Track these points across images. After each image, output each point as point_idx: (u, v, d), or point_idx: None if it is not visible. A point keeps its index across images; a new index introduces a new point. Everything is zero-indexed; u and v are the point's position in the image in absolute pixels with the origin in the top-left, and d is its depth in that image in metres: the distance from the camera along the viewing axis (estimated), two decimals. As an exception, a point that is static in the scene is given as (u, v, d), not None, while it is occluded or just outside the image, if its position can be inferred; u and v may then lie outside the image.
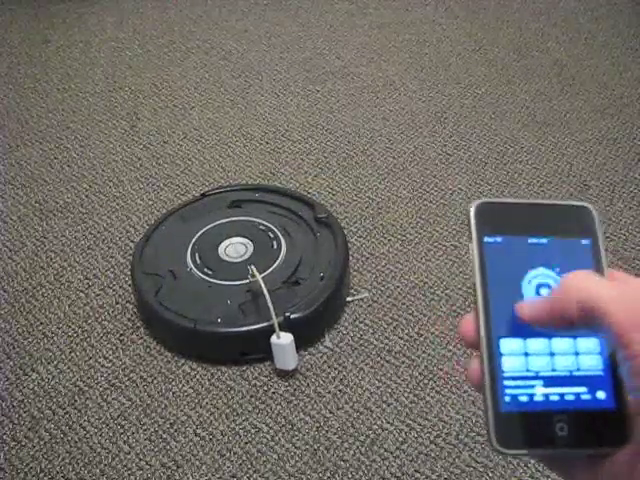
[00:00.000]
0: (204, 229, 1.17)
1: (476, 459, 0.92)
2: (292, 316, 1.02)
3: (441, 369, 1.03)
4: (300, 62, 1.73)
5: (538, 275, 0.36)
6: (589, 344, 0.35)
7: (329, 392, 1.01)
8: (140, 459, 0.94)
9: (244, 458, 0.94)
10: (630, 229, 1.25)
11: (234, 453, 0.94)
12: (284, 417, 0.98)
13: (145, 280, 1.09)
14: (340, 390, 1.01)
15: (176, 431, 0.97)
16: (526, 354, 0.35)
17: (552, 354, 0.35)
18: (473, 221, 0.37)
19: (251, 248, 1.14)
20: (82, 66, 1.74)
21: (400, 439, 0.95)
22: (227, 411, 0.99)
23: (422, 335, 1.08)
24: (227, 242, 1.15)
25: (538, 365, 0.35)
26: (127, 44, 1.83)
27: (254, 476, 0.92)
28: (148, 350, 1.07)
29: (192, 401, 1.00)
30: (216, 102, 1.60)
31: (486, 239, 0.37)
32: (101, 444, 0.95)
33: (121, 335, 1.09)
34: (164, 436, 0.96)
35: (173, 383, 1.03)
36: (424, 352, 1.06)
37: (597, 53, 1.73)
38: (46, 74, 1.72)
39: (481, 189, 1.34)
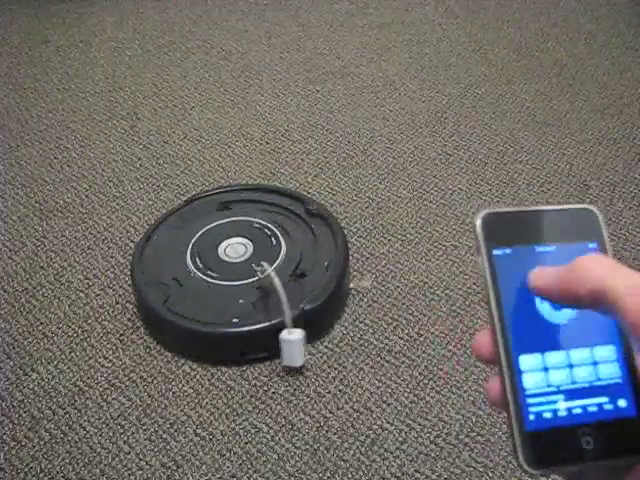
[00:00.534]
0: (199, 233, 1.16)
1: (476, 459, 0.92)
2: (306, 307, 1.03)
3: (441, 369, 1.03)
4: (300, 62, 1.73)
5: None
6: (606, 352, 0.35)
7: (329, 392, 1.01)
8: (140, 459, 0.94)
9: (244, 458, 0.94)
10: (630, 229, 1.25)
11: (234, 453, 0.94)
12: (284, 417, 0.98)
13: (150, 290, 1.08)
14: (340, 390, 1.01)
15: (176, 431, 0.97)
16: (545, 369, 0.34)
17: (571, 366, 0.35)
18: (480, 234, 0.36)
19: (251, 247, 1.14)
20: (82, 66, 1.74)
21: (400, 439, 0.95)
22: (227, 411, 0.99)
23: (422, 335, 1.08)
24: (225, 243, 1.15)
25: (558, 379, 0.34)
26: (127, 44, 1.83)
27: (254, 476, 0.92)
28: (148, 350, 1.07)
29: (192, 401, 1.00)
30: (216, 102, 1.60)
31: (495, 252, 0.36)
32: (101, 444, 0.95)
33: (121, 335, 1.09)
34: (164, 436, 0.96)
35: (173, 383, 1.03)
36: (424, 352, 1.06)
37: (597, 53, 1.73)
38: (46, 74, 1.72)
39: (481, 189, 1.34)
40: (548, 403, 0.34)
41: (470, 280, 1.16)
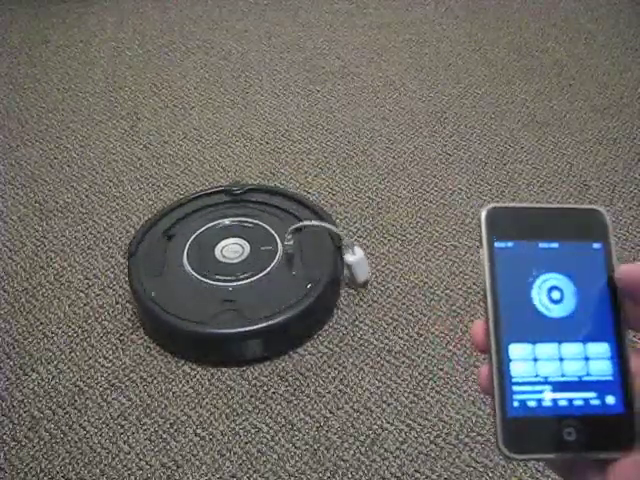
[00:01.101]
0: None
1: (476, 459, 0.92)
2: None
3: (441, 369, 1.03)
4: (300, 62, 1.73)
5: (549, 280, 0.36)
6: (599, 349, 0.35)
7: (329, 392, 1.01)
8: (140, 459, 0.94)
9: (244, 458, 0.94)
10: (630, 229, 1.25)
11: (234, 453, 0.94)
12: (284, 417, 0.98)
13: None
14: (340, 390, 1.01)
15: (176, 431, 0.97)
16: (535, 359, 0.35)
17: (561, 359, 0.35)
18: (484, 226, 0.37)
19: (247, 248, 1.13)
20: (82, 66, 1.74)
21: (400, 439, 0.95)
22: (227, 411, 0.99)
23: (422, 335, 1.08)
24: (223, 244, 1.14)
25: (547, 370, 0.35)
26: (127, 44, 1.83)
27: (254, 476, 0.92)
28: (148, 350, 1.07)
29: (192, 401, 1.00)
30: (216, 102, 1.60)
31: (497, 244, 0.37)
32: (101, 444, 0.95)
33: (121, 335, 1.09)
34: (164, 436, 0.96)
35: (173, 383, 1.03)
36: (424, 352, 1.06)
37: (597, 53, 1.73)
38: (46, 74, 1.72)
39: (481, 189, 1.34)
40: (534, 392, 0.35)
41: (470, 280, 1.16)
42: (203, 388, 1.02)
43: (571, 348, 0.35)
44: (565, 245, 0.37)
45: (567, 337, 0.36)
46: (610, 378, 0.35)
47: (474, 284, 1.15)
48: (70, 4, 2.00)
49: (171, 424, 0.98)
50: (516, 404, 0.34)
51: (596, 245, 0.37)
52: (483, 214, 0.37)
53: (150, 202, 1.33)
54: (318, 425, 0.97)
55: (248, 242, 1.15)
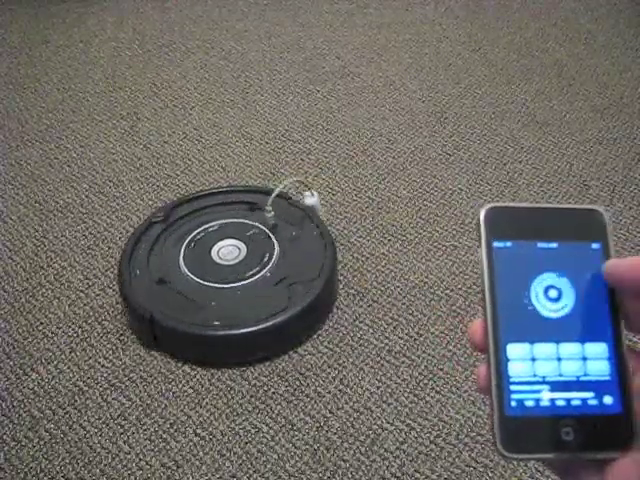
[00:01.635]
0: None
1: (476, 459, 0.92)
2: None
3: (441, 369, 1.03)
4: (300, 62, 1.73)
5: (548, 280, 0.36)
6: (597, 349, 0.35)
7: (329, 392, 1.01)
8: (140, 459, 0.94)
9: (244, 458, 0.94)
10: (630, 229, 1.25)
11: (234, 453, 0.94)
12: (284, 417, 0.98)
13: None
14: (340, 390, 1.01)
15: (176, 431, 0.97)
16: (533, 359, 0.35)
17: (559, 359, 0.35)
18: (482, 226, 0.37)
19: (244, 249, 1.13)
20: (82, 66, 1.74)
21: (400, 439, 0.95)
22: (227, 411, 0.99)
23: (422, 335, 1.08)
24: (219, 245, 1.14)
25: (545, 370, 0.35)
26: (127, 44, 1.83)
27: (254, 476, 0.92)
28: (148, 350, 1.07)
29: (192, 401, 1.00)
30: (216, 102, 1.60)
31: (495, 244, 0.37)
32: (101, 444, 0.95)
33: (121, 335, 1.09)
34: (164, 436, 0.96)
35: (173, 383, 1.03)
36: (424, 352, 1.06)
37: (597, 53, 1.73)
38: (46, 74, 1.72)
39: (481, 189, 1.34)
40: (531, 392, 0.35)
41: (470, 280, 1.16)
42: (203, 388, 1.02)
43: (569, 348, 0.35)
44: (564, 245, 0.37)
45: (565, 337, 0.36)
46: (608, 378, 0.35)
47: (474, 284, 1.15)
48: (70, 4, 2.00)
49: (171, 424, 0.98)
50: (514, 404, 0.34)
51: (595, 245, 0.37)
52: (482, 214, 0.37)
53: (150, 202, 1.33)
54: (318, 425, 0.97)
55: (244, 243, 1.14)
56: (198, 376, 1.03)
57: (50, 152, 1.47)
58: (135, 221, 1.29)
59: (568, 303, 0.36)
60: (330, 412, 0.98)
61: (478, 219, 0.37)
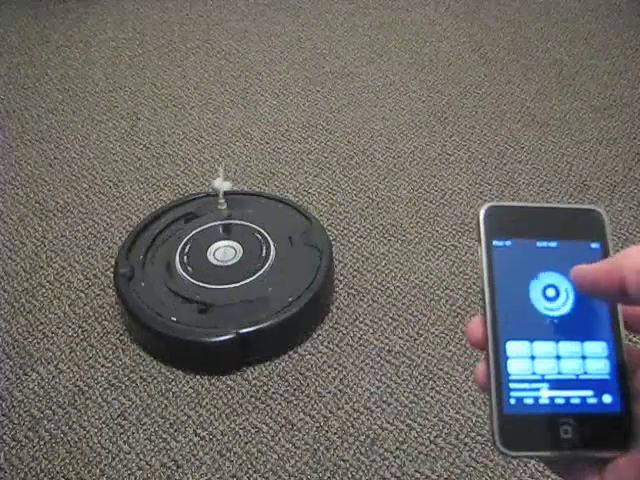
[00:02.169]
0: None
1: (476, 459, 0.92)
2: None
3: (441, 369, 1.03)
4: (300, 62, 1.73)
5: (547, 278, 0.36)
6: (596, 348, 0.36)
7: (329, 392, 1.01)
8: (140, 459, 0.94)
9: (244, 458, 0.94)
10: (630, 229, 1.25)
11: (234, 453, 0.94)
12: (284, 417, 0.98)
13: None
14: (340, 390, 1.01)
15: (176, 431, 0.97)
16: (532, 357, 0.35)
17: (559, 357, 0.35)
18: (482, 224, 0.37)
19: (240, 251, 1.13)
20: (82, 66, 1.74)
21: (400, 439, 0.95)
22: (227, 411, 0.99)
23: (422, 335, 1.08)
24: (216, 246, 1.14)
25: (544, 368, 0.35)
26: (127, 44, 1.83)
27: (254, 476, 0.92)
28: (148, 350, 1.07)
29: (192, 401, 1.00)
30: (216, 102, 1.60)
31: (495, 242, 0.37)
32: (101, 444, 0.95)
33: (121, 335, 1.09)
34: (164, 436, 0.96)
35: (173, 383, 1.03)
36: (424, 352, 1.06)
37: (597, 53, 1.73)
38: (46, 74, 1.72)
39: (481, 189, 1.34)
40: (531, 390, 0.35)
41: (470, 280, 1.16)
42: (203, 388, 1.02)
43: (568, 346, 0.35)
44: (563, 244, 0.37)
45: (564, 335, 0.36)
46: (607, 377, 0.35)
47: (474, 284, 1.15)
48: (70, 4, 2.00)
49: (171, 424, 0.98)
50: (513, 401, 0.34)
51: (594, 245, 0.37)
52: (481, 212, 0.38)
53: (150, 202, 1.33)
54: (318, 425, 0.97)
55: (241, 245, 1.14)
56: (198, 376, 1.03)
57: (50, 152, 1.47)
58: (135, 221, 1.28)
59: (567, 302, 0.36)
60: (330, 412, 0.98)
61: (478, 218, 0.37)
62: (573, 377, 0.35)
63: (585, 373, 0.35)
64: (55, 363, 1.06)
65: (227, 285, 1.07)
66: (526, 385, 0.35)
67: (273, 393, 1.01)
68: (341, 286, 1.16)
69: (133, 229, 1.19)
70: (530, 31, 1.82)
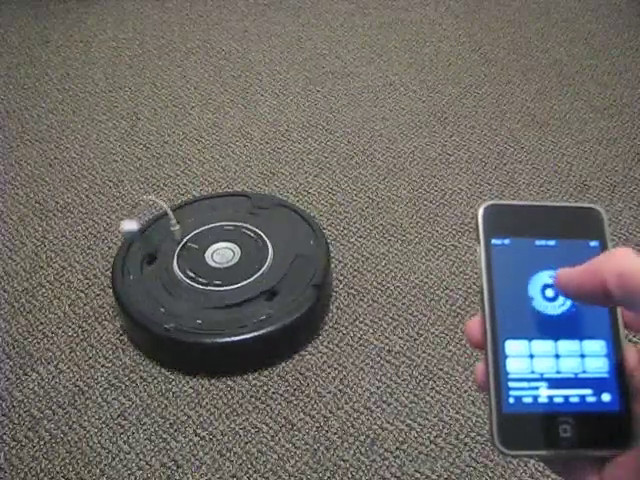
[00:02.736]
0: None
1: (476, 459, 0.92)
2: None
3: (441, 369, 1.03)
4: (300, 62, 1.73)
5: (545, 277, 0.36)
6: (595, 346, 0.35)
7: (329, 392, 1.01)
8: (140, 459, 0.94)
9: (244, 458, 0.94)
10: (630, 229, 1.25)
11: (234, 453, 0.94)
12: (284, 417, 0.98)
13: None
14: (340, 390, 1.01)
15: (176, 431, 0.97)
16: (531, 356, 0.35)
17: (557, 356, 0.35)
18: (481, 223, 0.37)
19: (238, 252, 1.12)
20: (82, 66, 1.74)
21: (400, 439, 0.95)
22: (227, 411, 0.99)
23: (422, 335, 1.08)
24: (213, 248, 1.13)
25: (543, 367, 0.35)
26: (127, 44, 1.83)
27: (254, 476, 0.92)
28: (146, 353, 1.07)
29: (192, 401, 1.00)
30: (216, 102, 1.60)
31: (494, 241, 0.37)
32: (101, 444, 0.95)
33: (121, 335, 1.09)
34: (164, 436, 0.96)
35: (173, 383, 1.03)
36: (424, 352, 1.06)
37: (597, 53, 1.73)
38: (46, 74, 1.72)
39: (481, 189, 1.34)
40: (530, 389, 0.35)
41: (470, 280, 1.16)
42: (203, 388, 1.02)
43: (567, 345, 0.35)
44: (562, 243, 0.37)
45: (563, 334, 0.36)
46: (606, 375, 0.35)
47: (474, 284, 1.15)
48: (70, 4, 2.00)
49: (171, 424, 0.98)
50: (512, 400, 0.34)
51: (593, 243, 0.37)
52: (480, 211, 0.38)
53: (150, 202, 1.33)
54: (318, 425, 0.97)
55: (239, 247, 1.13)
56: (198, 376, 1.03)
57: (50, 152, 1.47)
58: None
59: (566, 300, 0.36)
60: (330, 412, 0.98)
61: (476, 216, 0.37)
62: (572, 376, 0.35)
63: (584, 372, 0.35)
64: (55, 363, 1.06)
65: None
66: (525, 384, 0.35)
67: (273, 393, 1.01)
68: (341, 286, 1.16)
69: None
70: (530, 31, 1.82)
